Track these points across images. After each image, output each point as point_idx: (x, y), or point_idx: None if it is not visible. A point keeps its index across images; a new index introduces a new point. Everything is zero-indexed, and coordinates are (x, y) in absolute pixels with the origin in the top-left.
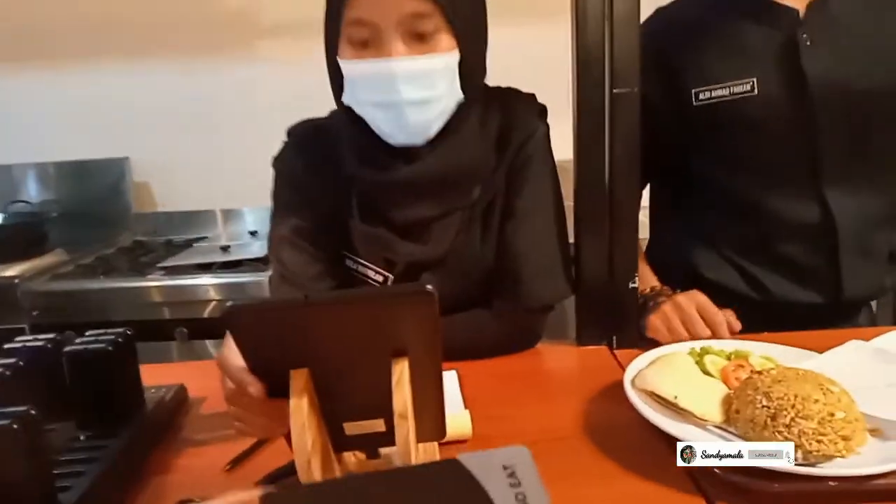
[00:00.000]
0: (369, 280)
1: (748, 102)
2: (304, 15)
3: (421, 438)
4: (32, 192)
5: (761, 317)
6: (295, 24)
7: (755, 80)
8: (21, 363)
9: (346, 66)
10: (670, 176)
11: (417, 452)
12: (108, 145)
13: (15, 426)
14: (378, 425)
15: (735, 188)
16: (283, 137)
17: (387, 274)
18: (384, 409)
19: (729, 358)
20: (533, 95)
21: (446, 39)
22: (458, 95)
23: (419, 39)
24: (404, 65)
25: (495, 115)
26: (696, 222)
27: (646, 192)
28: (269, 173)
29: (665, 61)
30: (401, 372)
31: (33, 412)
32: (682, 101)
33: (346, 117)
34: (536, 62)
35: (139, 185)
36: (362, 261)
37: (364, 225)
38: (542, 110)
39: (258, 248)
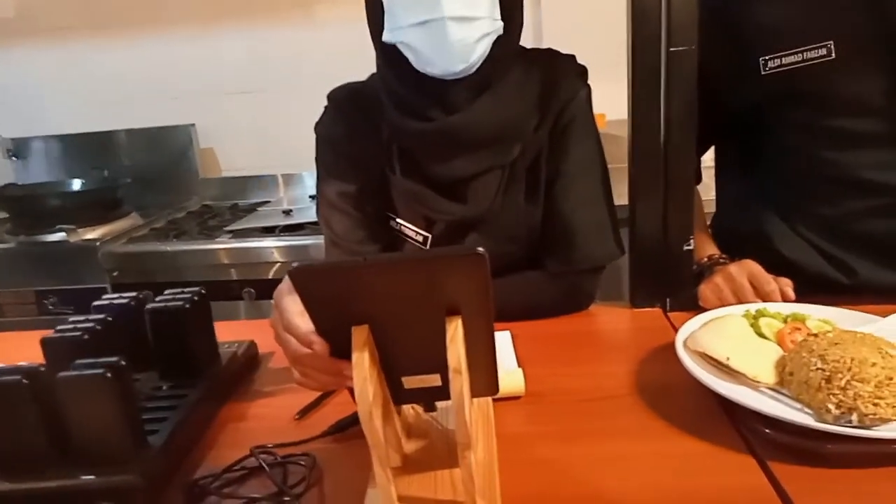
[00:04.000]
0: (409, 240)
1: (825, 69)
2: None
3: (475, 393)
4: (107, 159)
5: (847, 301)
6: None
7: (832, 42)
8: (109, 318)
9: None
10: (736, 141)
11: (472, 406)
12: (174, 112)
13: (108, 374)
14: (434, 380)
15: (814, 161)
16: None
17: (426, 234)
18: (440, 364)
19: (785, 321)
20: (573, 56)
21: None
22: (499, 24)
23: None
24: None
25: (536, 75)
26: (769, 193)
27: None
28: None
29: (725, 22)
30: (454, 329)
31: (123, 363)
32: (747, 68)
33: (385, 64)
34: (591, 19)
35: (204, 151)
36: (401, 220)
37: (404, 180)
38: (583, 71)
39: None
